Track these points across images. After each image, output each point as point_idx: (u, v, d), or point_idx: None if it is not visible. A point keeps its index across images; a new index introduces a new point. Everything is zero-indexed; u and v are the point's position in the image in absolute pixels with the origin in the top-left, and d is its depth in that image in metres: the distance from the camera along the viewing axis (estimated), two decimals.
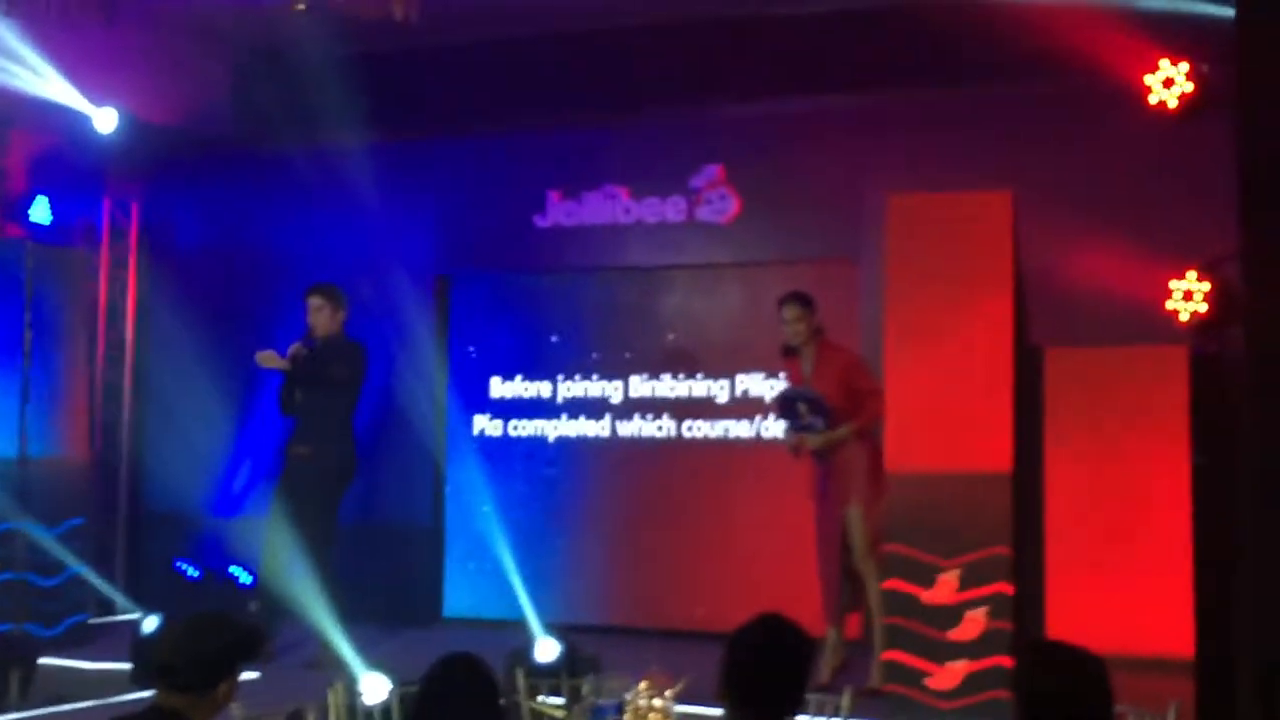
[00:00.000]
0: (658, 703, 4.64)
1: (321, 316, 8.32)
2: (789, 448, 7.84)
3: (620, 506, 9.67)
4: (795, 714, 3.52)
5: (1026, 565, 7.24)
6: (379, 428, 9.37)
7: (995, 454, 7.06)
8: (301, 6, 8.63)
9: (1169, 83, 8.04)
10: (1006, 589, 6.96)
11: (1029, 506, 7.28)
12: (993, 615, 6.95)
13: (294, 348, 8.27)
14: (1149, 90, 8.05)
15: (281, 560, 8.26)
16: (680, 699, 4.76)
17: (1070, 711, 3.28)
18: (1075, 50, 7.90)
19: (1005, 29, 8.11)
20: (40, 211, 9.97)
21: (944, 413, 7.15)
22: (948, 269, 7.25)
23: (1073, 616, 7.13)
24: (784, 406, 7.76)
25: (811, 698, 4.50)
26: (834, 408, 7.53)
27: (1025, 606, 7.21)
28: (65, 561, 8.93)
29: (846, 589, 7.71)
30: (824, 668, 7.38)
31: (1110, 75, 8.07)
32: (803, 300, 7.72)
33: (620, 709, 4.72)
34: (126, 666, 7.96)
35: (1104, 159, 8.30)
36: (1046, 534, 7.35)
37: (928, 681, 6.99)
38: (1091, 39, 7.92)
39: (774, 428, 8.10)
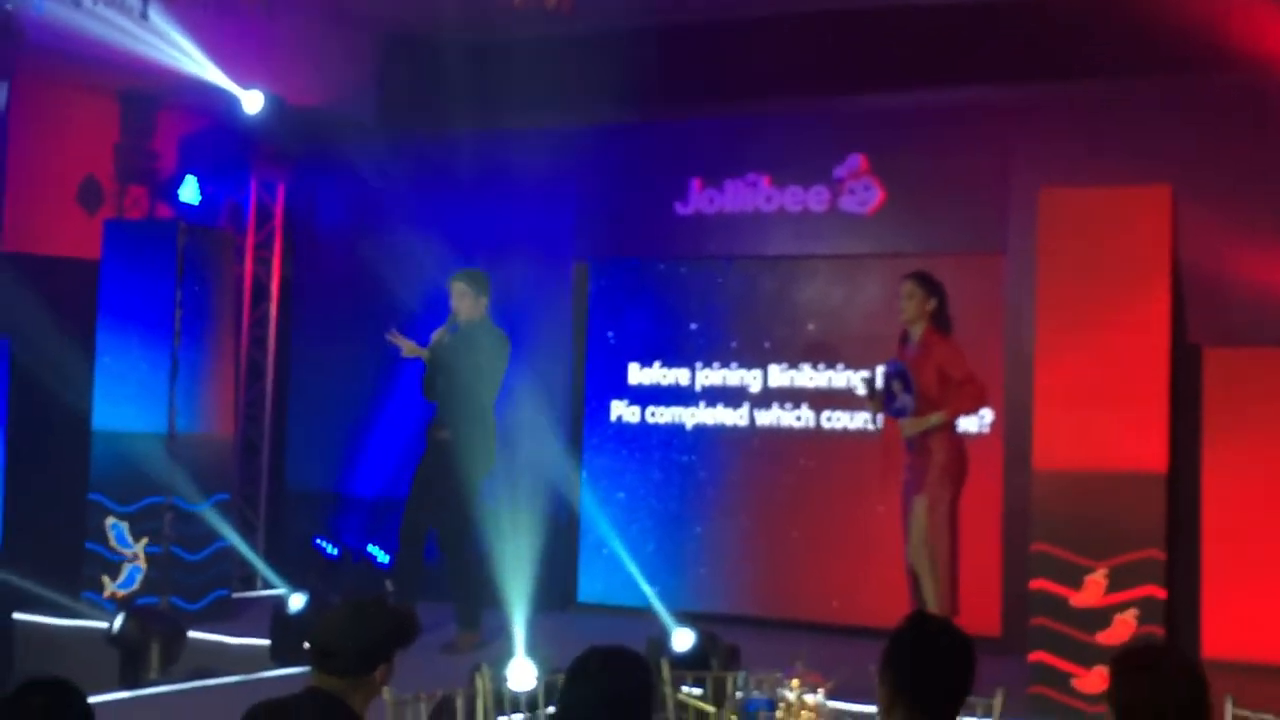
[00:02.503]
0: (811, 699, 4.57)
1: (465, 302, 8.27)
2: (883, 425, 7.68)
3: (756, 496, 9.59)
4: (959, 714, 3.45)
5: (1181, 569, 7.05)
6: (517, 412, 9.38)
7: (1149, 454, 6.88)
8: None
9: None
10: (1158, 592, 6.78)
11: (1185, 509, 7.08)
12: (1142, 619, 6.78)
13: (436, 334, 8.27)
14: None
15: (419, 541, 8.33)
16: (832, 695, 4.70)
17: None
18: (1239, 41, 7.64)
19: (1167, 19, 7.88)
20: (189, 192, 10.15)
21: (1096, 411, 6.97)
22: (1102, 265, 7.07)
23: (1230, 622, 6.94)
24: (883, 382, 7.55)
25: None
26: (926, 394, 7.31)
27: (1179, 611, 7.02)
28: (211, 536, 9.07)
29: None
30: None
31: (1275, 67, 7.74)
32: (917, 278, 7.46)
33: (772, 705, 4.65)
34: (268, 642, 8.06)
35: (1269, 153, 8.02)
36: (1203, 538, 7.14)
37: (1075, 684, 6.84)
38: (1257, 29, 7.65)
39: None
